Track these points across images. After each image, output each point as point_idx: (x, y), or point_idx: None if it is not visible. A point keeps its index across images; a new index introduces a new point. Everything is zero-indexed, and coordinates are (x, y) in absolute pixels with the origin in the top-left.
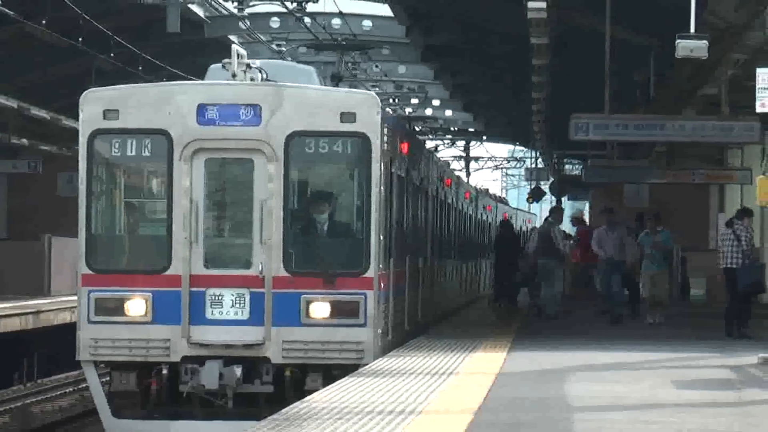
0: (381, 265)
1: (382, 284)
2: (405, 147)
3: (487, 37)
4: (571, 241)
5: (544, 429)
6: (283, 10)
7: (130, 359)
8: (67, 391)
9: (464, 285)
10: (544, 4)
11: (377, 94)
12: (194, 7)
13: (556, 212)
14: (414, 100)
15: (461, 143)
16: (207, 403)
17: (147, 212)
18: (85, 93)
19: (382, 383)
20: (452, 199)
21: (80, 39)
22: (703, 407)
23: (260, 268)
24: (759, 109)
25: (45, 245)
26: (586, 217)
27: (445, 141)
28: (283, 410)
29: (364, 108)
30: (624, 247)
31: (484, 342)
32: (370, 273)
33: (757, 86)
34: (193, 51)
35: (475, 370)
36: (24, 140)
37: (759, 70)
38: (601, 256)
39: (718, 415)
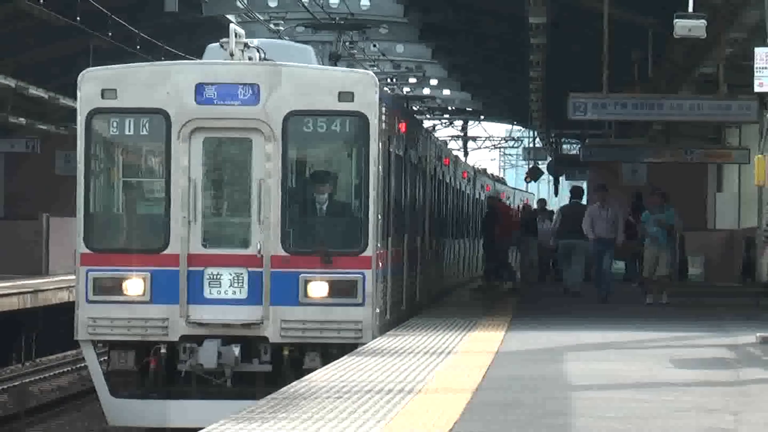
0: (379, 244)
1: (380, 263)
2: (403, 126)
3: (480, 17)
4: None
5: (542, 407)
6: None
7: (128, 338)
8: (66, 370)
9: (462, 264)
10: None
11: (375, 73)
12: None
13: (581, 192)
14: (412, 80)
15: (459, 123)
16: (205, 382)
17: (145, 191)
18: (82, 72)
19: (380, 362)
20: (450, 178)
21: (77, 18)
22: (699, 386)
23: (258, 248)
24: (757, 89)
25: (43, 224)
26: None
27: (443, 120)
28: (282, 389)
29: (362, 87)
30: (616, 226)
31: (483, 321)
32: (368, 252)
33: (754, 65)
34: (191, 30)
35: (473, 350)
36: (21, 119)
37: (757, 49)
38: (589, 236)
39: (714, 394)
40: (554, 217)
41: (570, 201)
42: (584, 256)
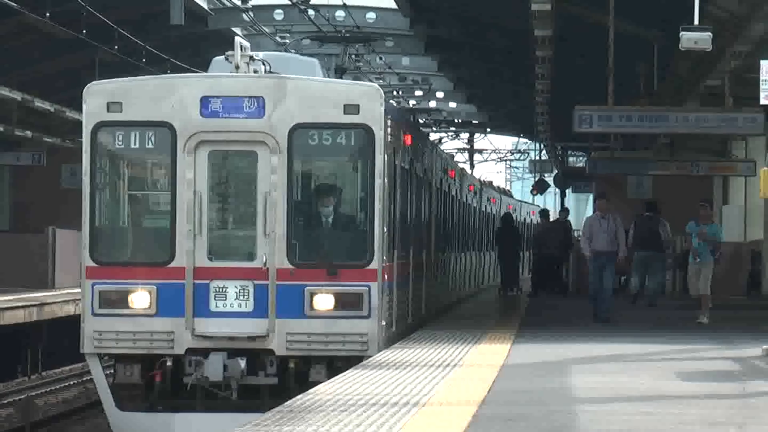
0: (385, 257)
1: (386, 276)
2: (408, 139)
3: (486, 30)
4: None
5: (547, 421)
6: (287, 1)
7: (134, 351)
8: (72, 383)
9: (468, 277)
10: None
11: (381, 86)
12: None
13: (656, 205)
14: (418, 92)
15: (465, 135)
16: (211, 396)
17: (151, 204)
18: (88, 85)
19: (385, 375)
20: (456, 191)
21: (83, 31)
22: (704, 399)
23: (264, 260)
24: (763, 101)
25: (49, 237)
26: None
27: (449, 133)
28: (287, 402)
29: (367, 100)
30: (616, 238)
31: (488, 334)
32: (374, 265)
33: (760, 78)
34: (197, 43)
35: (479, 362)
36: (28, 132)
37: (763, 62)
38: (585, 251)
39: (720, 407)
40: (629, 230)
41: (644, 214)
42: (663, 268)
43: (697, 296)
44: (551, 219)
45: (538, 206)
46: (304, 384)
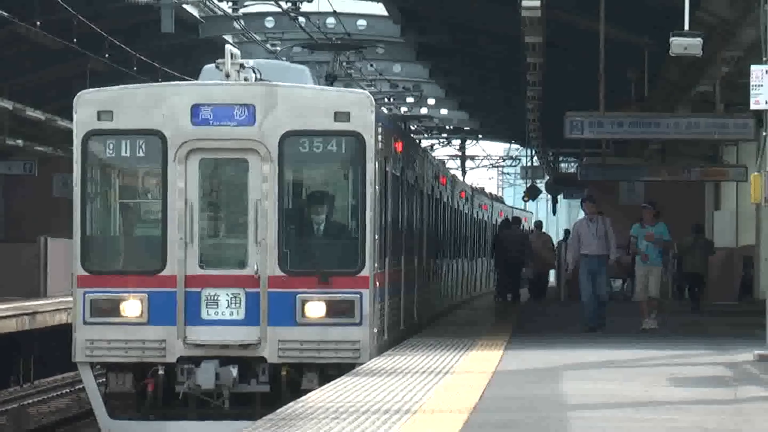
0: (376, 264)
1: (378, 283)
2: (399, 146)
3: (477, 37)
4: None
5: (538, 428)
6: (278, 9)
7: (126, 360)
8: (63, 392)
9: (460, 284)
10: (538, 3)
11: (372, 93)
12: (188, 8)
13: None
14: (409, 99)
15: (457, 142)
16: (203, 404)
17: (142, 213)
18: (78, 94)
19: (377, 382)
20: (447, 197)
21: (74, 40)
22: (696, 405)
23: (255, 268)
24: (753, 106)
25: (41, 247)
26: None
27: (441, 140)
28: (279, 410)
29: (358, 107)
30: (607, 240)
31: (480, 341)
32: (366, 272)
33: (750, 83)
34: (188, 52)
35: (471, 369)
36: (19, 141)
37: (753, 67)
38: (571, 258)
39: (712, 413)
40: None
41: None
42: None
43: (643, 300)
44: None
45: (530, 213)
46: (296, 392)
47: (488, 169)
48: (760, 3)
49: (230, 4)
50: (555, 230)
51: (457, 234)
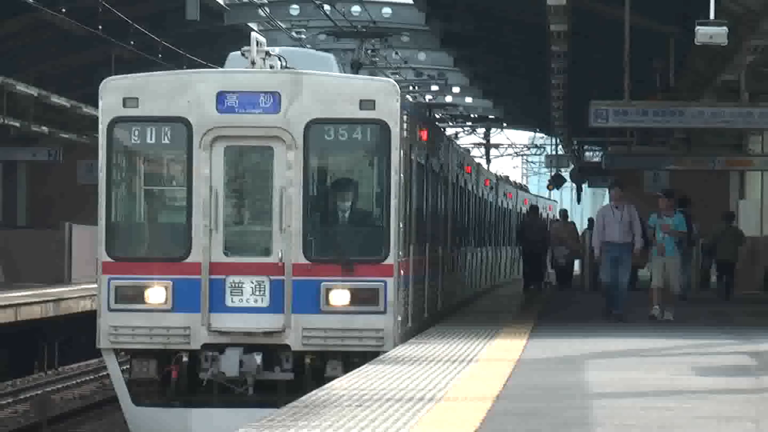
0: (401, 253)
1: (402, 271)
2: (424, 134)
3: (502, 25)
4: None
5: (562, 416)
6: None
7: (150, 347)
8: (88, 378)
9: (484, 272)
10: None
11: (397, 81)
12: None
13: (688, 200)
14: (434, 87)
15: (481, 130)
16: (227, 391)
17: (167, 200)
18: (104, 81)
19: (401, 370)
20: (472, 186)
21: (99, 27)
22: (719, 394)
23: (280, 256)
24: None
25: (65, 233)
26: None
27: (465, 128)
28: (303, 397)
29: (383, 95)
30: (631, 228)
31: (504, 329)
32: (390, 260)
33: None
34: (213, 39)
35: (495, 357)
36: (44, 128)
37: None
38: (594, 242)
39: (735, 402)
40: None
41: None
42: (689, 261)
43: (657, 290)
44: (568, 219)
45: (555, 201)
46: (320, 379)
47: (513, 158)
48: None
49: None
50: (579, 219)
51: (482, 222)
